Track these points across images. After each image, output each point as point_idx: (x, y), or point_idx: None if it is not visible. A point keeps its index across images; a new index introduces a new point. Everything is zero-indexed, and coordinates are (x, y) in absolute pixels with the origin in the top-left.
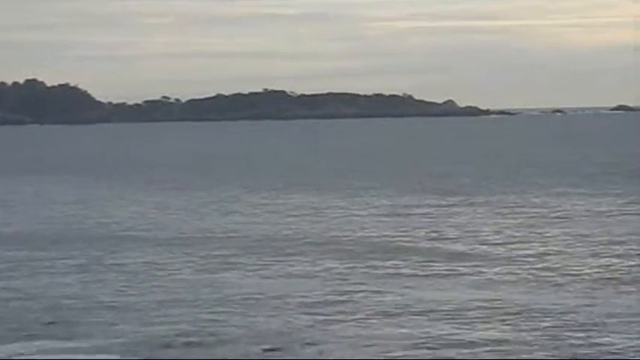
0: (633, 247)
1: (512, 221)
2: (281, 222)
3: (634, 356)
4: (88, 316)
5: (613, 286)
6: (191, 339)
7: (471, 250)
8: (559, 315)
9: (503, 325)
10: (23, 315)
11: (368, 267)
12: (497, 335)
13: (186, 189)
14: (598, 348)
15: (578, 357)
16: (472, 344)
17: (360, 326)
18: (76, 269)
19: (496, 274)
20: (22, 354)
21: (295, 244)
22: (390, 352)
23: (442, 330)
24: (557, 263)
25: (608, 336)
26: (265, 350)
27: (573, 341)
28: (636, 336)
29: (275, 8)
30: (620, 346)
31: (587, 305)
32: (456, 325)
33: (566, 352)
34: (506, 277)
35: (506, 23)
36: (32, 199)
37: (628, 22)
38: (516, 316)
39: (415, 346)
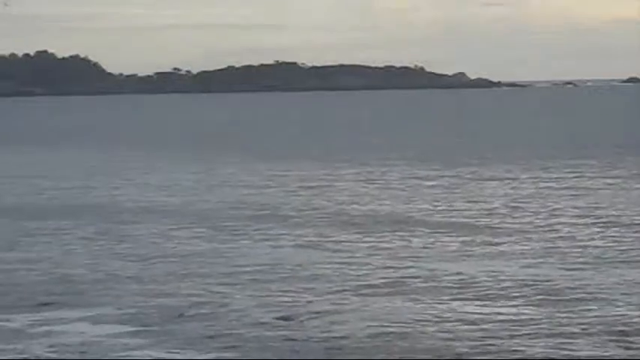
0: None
1: (521, 192)
2: (291, 193)
3: None
4: (98, 286)
5: (620, 258)
6: (202, 310)
7: (480, 221)
8: (567, 286)
9: (510, 298)
10: (33, 285)
11: (377, 239)
12: (505, 310)
13: (196, 160)
14: (607, 319)
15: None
16: (480, 319)
17: (368, 297)
18: (85, 240)
19: (505, 245)
20: (34, 324)
21: (304, 214)
22: (399, 323)
23: (450, 303)
24: (565, 235)
25: (619, 308)
26: (276, 319)
27: (585, 313)
28: None
29: None
30: (628, 318)
31: (595, 277)
32: (465, 299)
33: (573, 323)
34: (516, 248)
35: None
36: (41, 170)
37: None
38: (524, 288)
39: (423, 319)
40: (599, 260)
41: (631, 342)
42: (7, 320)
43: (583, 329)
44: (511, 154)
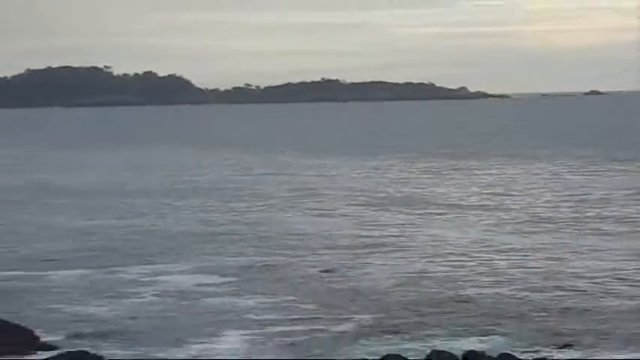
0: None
1: (519, 179)
2: (327, 176)
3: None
4: (190, 246)
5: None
6: (265, 264)
7: (468, 201)
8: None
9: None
10: (146, 245)
11: (392, 213)
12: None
13: (256, 153)
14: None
15: None
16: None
17: (389, 257)
18: (186, 213)
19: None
20: (144, 275)
21: (336, 194)
22: (418, 285)
23: (453, 263)
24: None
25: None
26: (321, 271)
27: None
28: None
29: (325, 18)
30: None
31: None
32: (469, 259)
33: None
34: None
35: (504, 29)
36: (153, 163)
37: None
38: (513, 252)
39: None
40: (558, 231)
41: None
42: (124, 272)
43: None
44: (501, 150)
